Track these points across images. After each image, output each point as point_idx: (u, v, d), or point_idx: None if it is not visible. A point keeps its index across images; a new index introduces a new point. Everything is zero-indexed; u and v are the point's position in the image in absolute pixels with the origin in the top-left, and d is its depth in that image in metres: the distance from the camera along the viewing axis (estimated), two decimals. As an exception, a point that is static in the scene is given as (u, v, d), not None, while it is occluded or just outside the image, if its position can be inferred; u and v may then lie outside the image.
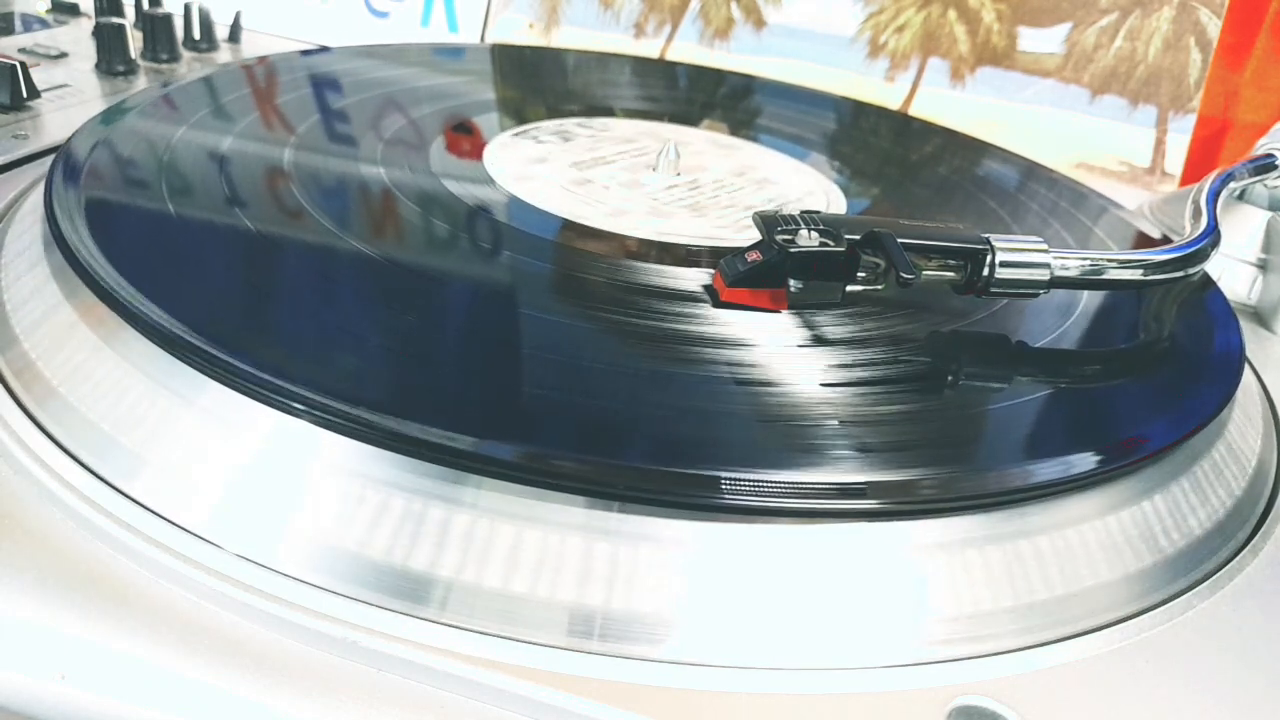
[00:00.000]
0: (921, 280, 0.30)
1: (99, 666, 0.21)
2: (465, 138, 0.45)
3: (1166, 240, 0.42)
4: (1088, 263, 0.31)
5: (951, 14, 0.62)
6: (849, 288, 0.31)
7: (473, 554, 0.22)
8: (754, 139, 0.51)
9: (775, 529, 0.23)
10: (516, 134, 0.46)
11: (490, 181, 0.40)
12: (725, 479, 0.22)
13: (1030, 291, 0.31)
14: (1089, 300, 0.35)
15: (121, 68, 0.54)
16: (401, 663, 0.21)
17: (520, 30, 0.71)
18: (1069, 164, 0.61)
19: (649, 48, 0.69)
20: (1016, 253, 0.30)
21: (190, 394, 0.25)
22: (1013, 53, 0.62)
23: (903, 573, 0.23)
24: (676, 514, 0.23)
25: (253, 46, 0.64)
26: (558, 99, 0.54)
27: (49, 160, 0.34)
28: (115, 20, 0.54)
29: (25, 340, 0.28)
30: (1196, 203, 0.38)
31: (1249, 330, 0.41)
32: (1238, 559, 0.27)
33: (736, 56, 0.67)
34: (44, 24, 0.61)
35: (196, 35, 0.60)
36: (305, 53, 0.54)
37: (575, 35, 0.70)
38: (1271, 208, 0.45)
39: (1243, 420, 0.32)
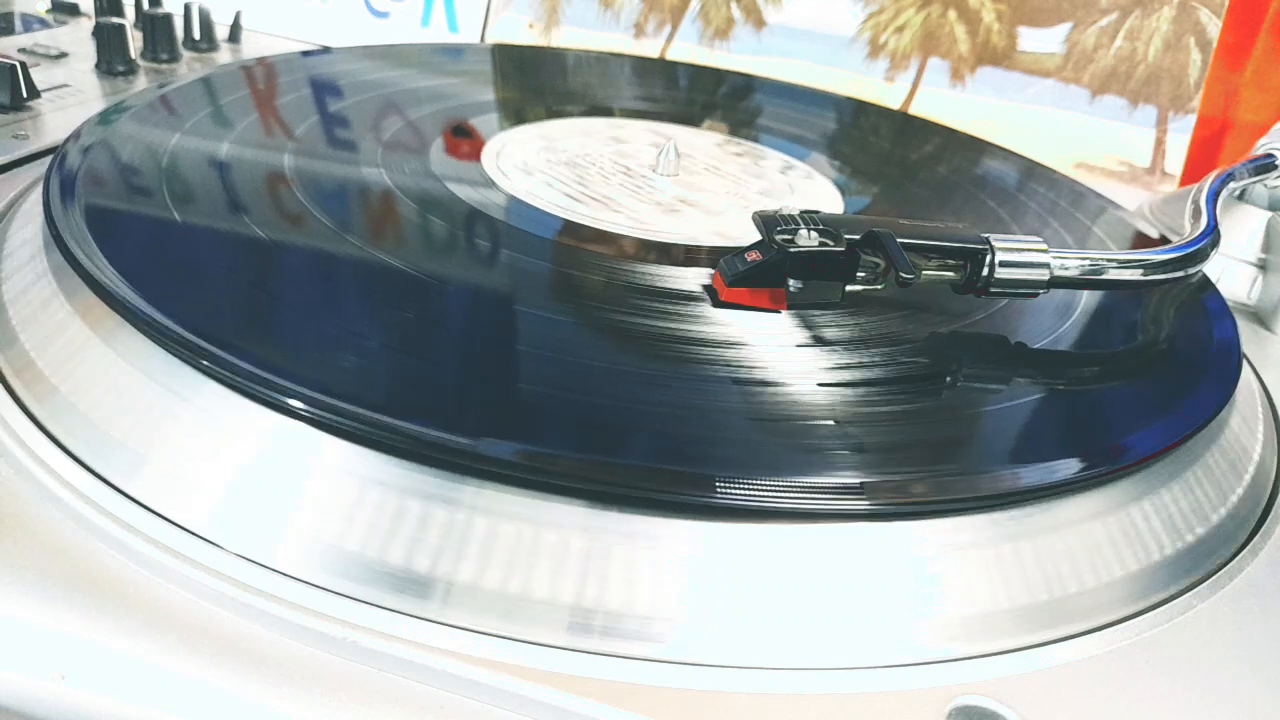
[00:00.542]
0: (921, 280, 0.30)
1: (99, 666, 0.21)
2: (465, 138, 0.45)
3: (1166, 240, 0.42)
4: (1087, 263, 0.31)
5: (951, 14, 0.62)
6: (849, 288, 0.31)
7: (472, 554, 0.22)
8: (754, 139, 0.51)
9: (774, 529, 0.23)
10: (516, 134, 0.46)
11: (489, 182, 0.40)
12: (724, 479, 0.22)
13: (1030, 291, 0.31)
14: (1088, 301, 0.35)
15: (121, 68, 0.54)
16: (401, 663, 0.21)
17: (520, 30, 0.71)
18: (1069, 164, 0.61)
19: (649, 48, 0.69)
20: (1016, 253, 0.30)
21: (190, 394, 0.25)
22: (1013, 53, 0.62)
23: (902, 573, 0.23)
24: (675, 514, 0.23)
25: (253, 46, 0.64)
26: (558, 99, 0.54)
27: (49, 160, 0.34)
28: (115, 20, 0.54)
29: (25, 339, 0.28)
30: (1196, 203, 0.38)
31: (1248, 330, 0.41)
32: (1238, 559, 0.27)
33: (736, 56, 0.67)
34: (44, 24, 0.61)
35: (196, 35, 0.60)
36: (305, 53, 0.54)
37: (575, 35, 0.70)
38: (1271, 208, 0.45)
39: (1242, 420, 0.32)
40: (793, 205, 0.32)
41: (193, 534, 0.23)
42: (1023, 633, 0.23)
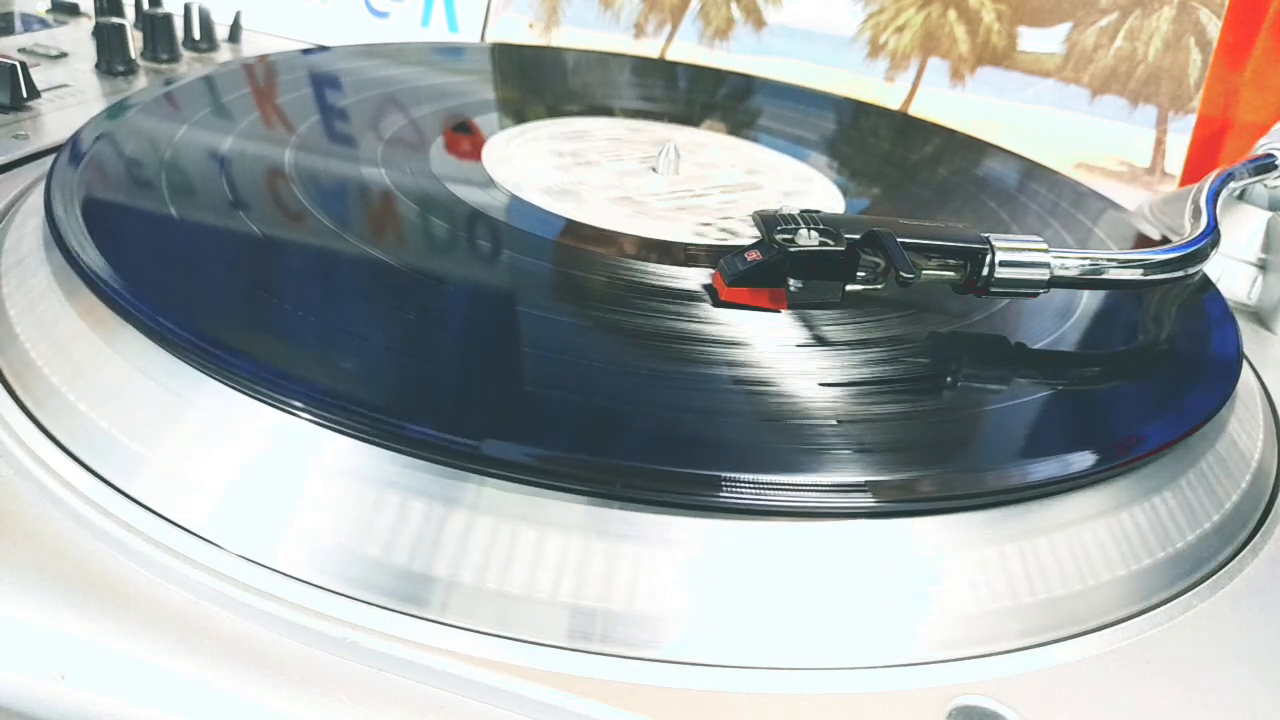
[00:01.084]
0: (921, 280, 0.30)
1: (99, 666, 0.21)
2: (465, 137, 0.45)
3: (1166, 240, 0.42)
4: (1087, 262, 0.31)
5: (951, 14, 0.62)
6: (849, 287, 0.31)
7: (472, 554, 0.22)
8: (754, 139, 0.51)
9: (775, 528, 0.23)
10: (516, 134, 0.46)
11: (490, 181, 0.40)
12: (725, 478, 0.22)
13: (1030, 291, 0.31)
14: (1088, 301, 0.35)
15: (121, 68, 0.54)
16: (401, 663, 0.21)
17: (520, 30, 0.71)
18: (1069, 164, 0.61)
19: (649, 48, 0.69)
20: (1016, 252, 0.30)
21: (190, 394, 0.25)
22: (1013, 53, 0.62)
23: (902, 572, 0.23)
24: (676, 513, 0.23)
25: (253, 46, 0.64)
26: (558, 99, 0.54)
27: (49, 160, 0.34)
28: (115, 20, 0.54)
29: (25, 340, 0.28)
30: (1196, 203, 0.38)
31: (1249, 330, 0.41)
32: (1238, 559, 0.27)
33: (736, 56, 0.67)
34: (44, 24, 0.61)
35: (196, 35, 0.60)
36: (305, 52, 0.54)
37: (575, 35, 0.70)
38: (1271, 208, 0.45)
39: (1242, 420, 0.32)
40: (793, 205, 0.32)
41: (193, 534, 0.23)
42: (1023, 633, 0.23)
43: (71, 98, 0.49)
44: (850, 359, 0.29)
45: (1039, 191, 0.48)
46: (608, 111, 0.52)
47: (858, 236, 0.30)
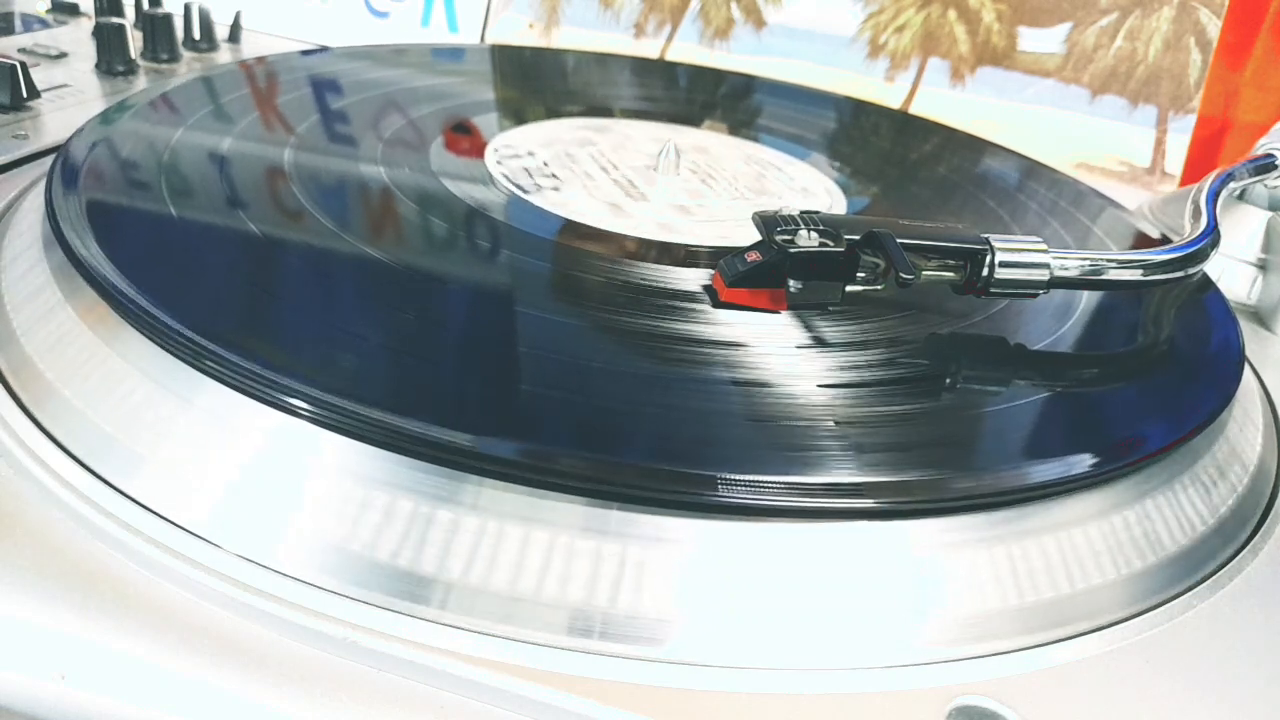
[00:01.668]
0: (921, 280, 0.30)
1: (99, 666, 0.21)
2: (465, 137, 0.45)
3: (1166, 240, 0.42)
4: (1087, 263, 0.31)
5: (951, 14, 0.62)
6: (848, 288, 0.31)
7: (472, 553, 0.22)
8: (754, 138, 0.51)
9: (775, 528, 0.23)
10: (516, 133, 0.46)
11: (490, 181, 0.40)
12: (724, 479, 0.22)
13: (1030, 291, 0.31)
14: (1088, 302, 0.35)
15: (121, 68, 0.54)
16: (401, 663, 0.21)
17: (520, 30, 0.71)
18: (1069, 164, 0.61)
19: (649, 48, 0.69)
20: (1016, 253, 0.30)
21: (190, 393, 0.25)
22: (1013, 53, 0.62)
23: (903, 573, 0.23)
24: (676, 513, 0.23)
25: (253, 46, 0.64)
26: (558, 99, 0.54)
27: (49, 160, 0.34)
28: (115, 20, 0.54)
29: (25, 339, 0.28)
30: (1196, 203, 0.38)
31: (1249, 330, 0.41)
32: (1238, 559, 0.27)
33: (736, 56, 0.67)
34: (44, 24, 0.61)
35: (196, 35, 0.60)
36: (305, 53, 0.54)
37: (575, 35, 0.70)
38: (1271, 208, 0.45)
39: (1243, 420, 0.32)
40: (793, 205, 0.32)
41: (193, 534, 0.23)
42: (1023, 633, 0.23)
43: (71, 98, 0.49)
44: (850, 360, 0.29)
45: (1039, 191, 0.48)
46: (608, 112, 0.52)
47: (857, 237, 0.30)
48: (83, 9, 0.64)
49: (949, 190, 0.48)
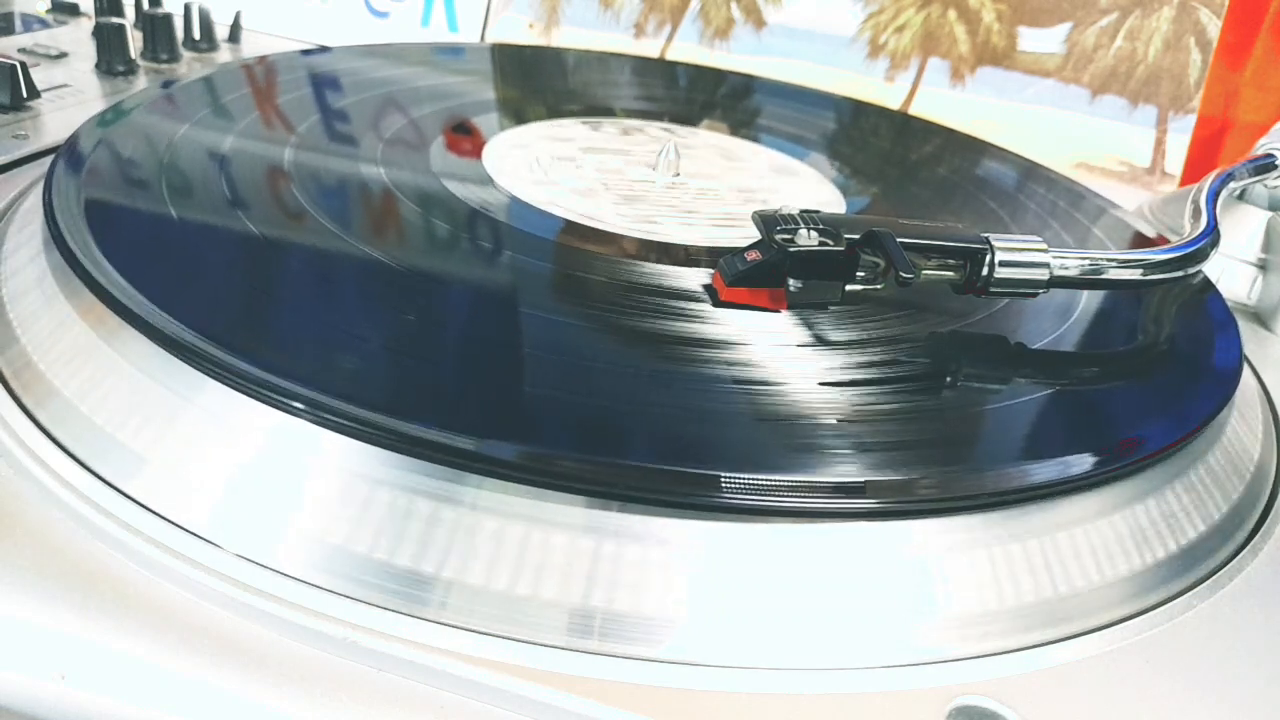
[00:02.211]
0: (921, 280, 0.30)
1: (99, 666, 0.21)
2: (465, 137, 0.45)
3: (1166, 240, 0.42)
4: (1087, 262, 0.31)
5: (951, 14, 0.62)
6: (848, 287, 0.31)
7: (472, 554, 0.22)
8: (754, 139, 0.51)
9: (775, 528, 0.23)
10: (516, 133, 0.46)
11: (490, 181, 0.40)
12: (725, 478, 0.22)
13: (1029, 291, 0.31)
14: (1088, 301, 0.35)
15: (121, 68, 0.54)
16: (401, 663, 0.21)
17: (520, 30, 0.71)
18: (1069, 164, 0.61)
19: (649, 48, 0.69)
20: (1016, 252, 0.30)
21: (190, 394, 0.25)
22: (1013, 53, 0.62)
23: (902, 573, 0.23)
24: (676, 514, 0.23)
25: (253, 46, 0.63)
26: (558, 99, 0.54)
27: (49, 160, 0.34)
28: (115, 20, 0.54)
29: (25, 340, 0.28)
30: (1196, 203, 0.38)
31: (1249, 330, 0.41)
32: (1238, 559, 0.27)
33: (736, 56, 0.67)
34: (44, 24, 0.61)
35: (196, 35, 0.60)
36: (305, 52, 0.54)
37: (575, 35, 0.70)
38: (1271, 208, 0.45)
39: (1242, 421, 0.32)
40: (792, 205, 0.32)
41: (193, 534, 0.23)
42: (1023, 633, 0.23)
43: (71, 98, 0.49)
44: (850, 359, 0.29)
45: (1038, 191, 0.48)
46: (608, 111, 0.52)
47: (857, 236, 0.30)
48: (83, 9, 0.64)
49: (949, 191, 0.48)
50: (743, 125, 0.53)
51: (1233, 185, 0.42)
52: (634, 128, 0.49)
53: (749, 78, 0.62)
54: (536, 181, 0.40)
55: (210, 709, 0.20)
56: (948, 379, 0.29)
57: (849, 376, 0.28)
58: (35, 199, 0.35)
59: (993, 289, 0.31)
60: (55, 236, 0.29)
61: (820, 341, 0.30)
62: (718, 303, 0.31)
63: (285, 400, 0.23)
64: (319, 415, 0.23)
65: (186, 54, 0.59)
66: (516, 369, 0.27)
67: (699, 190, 0.42)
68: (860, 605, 0.23)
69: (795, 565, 0.23)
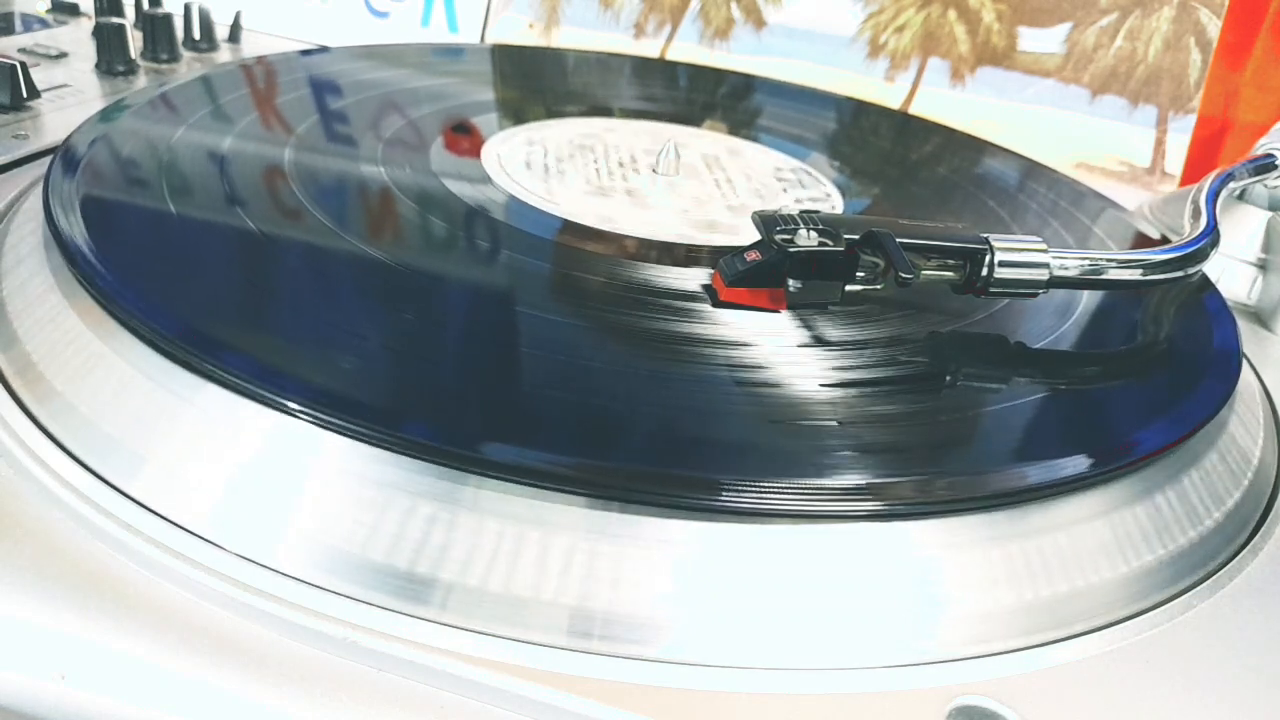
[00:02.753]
0: (920, 280, 0.30)
1: (99, 666, 0.21)
2: (465, 137, 0.45)
3: (1166, 240, 0.42)
4: (1087, 262, 0.31)
5: (951, 14, 0.62)
6: (848, 287, 0.31)
7: (472, 554, 0.22)
8: (754, 139, 0.51)
9: (775, 529, 0.23)
10: (516, 133, 0.46)
11: (489, 181, 0.40)
12: (725, 480, 0.22)
13: (1029, 291, 0.31)
14: (1088, 301, 0.35)
15: (121, 68, 0.54)
16: (401, 663, 0.21)
17: (520, 30, 0.71)
18: (1069, 164, 0.61)
19: (649, 48, 0.69)
20: (1015, 252, 0.30)
21: (190, 394, 0.25)
22: (1013, 53, 0.62)
23: (902, 573, 0.23)
24: (676, 515, 0.23)
25: (253, 46, 0.64)
26: (557, 99, 0.54)
27: (49, 160, 0.34)
28: (115, 20, 0.54)
29: (25, 340, 0.28)
30: (1196, 203, 0.38)
31: (1249, 330, 0.41)
32: (1238, 559, 0.27)
33: (736, 56, 0.67)
34: (44, 24, 0.61)
35: (196, 35, 0.60)
36: (305, 53, 0.54)
37: (575, 35, 0.70)
38: (1271, 208, 0.45)
39: (1242, 420, 0.32)
40: (792, 205, 0.32)
41: (193, 534, 0.23)
42: (1023, 633, 0.23)
43: (71, 98, 0.49)
44: (850, 359, 0.29)
45: (1039, 191, 0.48)
46: (608, 111, 0.52)
47: (857, 237, 0.30)
48: (83, 9, 0.64)
49: (949, 190, 0.48)
50: (743, 125, 0.53)
51: (1233, 185, 0.42)
52: (634, 128, 0.49)
53: (749, 78, 0.62)
54: (536, 181, 0.40)
55: (210, 709, 0.20)
56: (947, 379, 0.29)
57: (849, 377, 0.28)
58: (35, 199, 0.35)
59: (992, 289, 0.31)
60: (55, 237, 0.29)
61: (820, 342, 0.30)
62: (717, 303, 0.31)
63: (284, 401, 0.23)
64: (318, 417, 0.23)
65: (186, 54, 0.59)
66: (516, 370, 0.27)
67: (699, 190, 0.42)
68: (860, 605, 0.23)
69: (795, 566, 0.23)
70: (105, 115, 0.39)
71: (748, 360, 0.28)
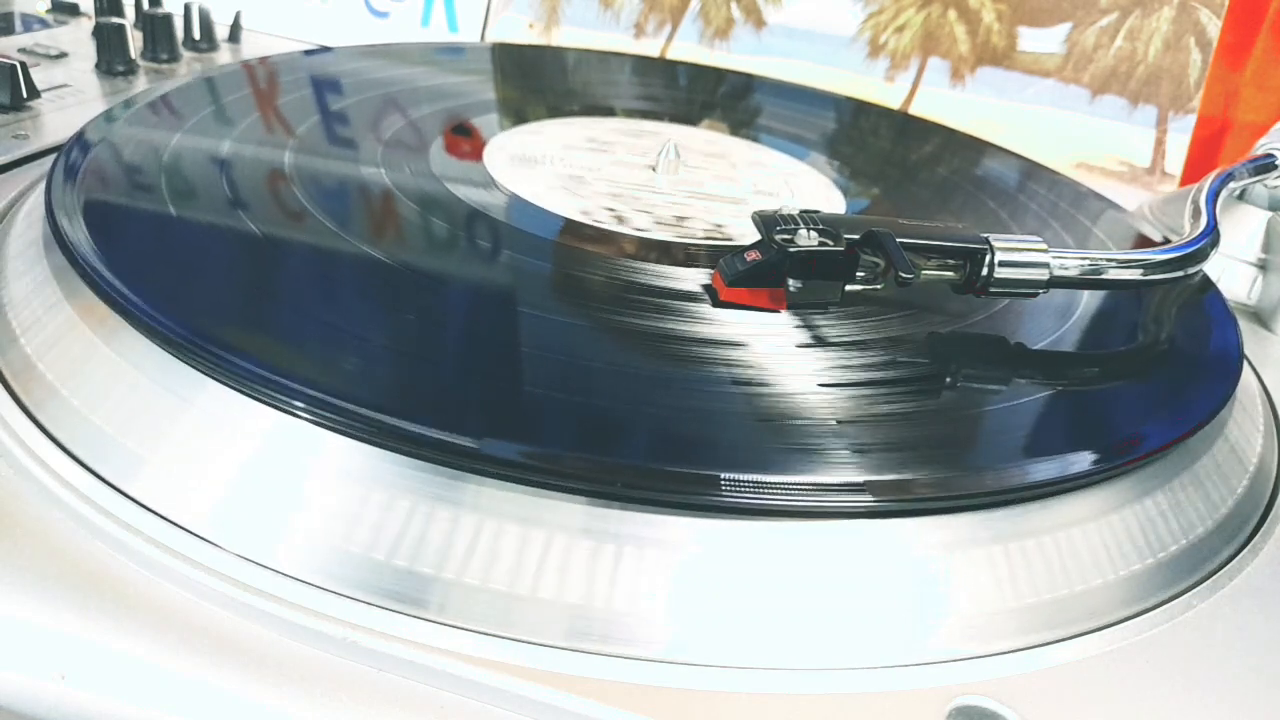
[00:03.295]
0: (920, 280, 0.30)
1: (99, 666, 0.21)
2: (465, 138, 0.45)
3: (1166, 240, 0.42)
4: (1087, 262, 0.31)
5: (951, 14, 0.62)
6: (848, 287, 0.31)
7: (472, 554, 0.22)
8: (754, 138, 0.51)
9: (775, 528, 0.23)
10: (517, 133, 0.46)
11: (490, 181, 0.40)
12: (725, 478, 0.22)
13: (1029, 291, 0.31)
14: (1088, 301, 0.35)
15: (121, 68, 0.54)
16: (401, 663, 0.21)
17: (520, 30, 0.71)
18: (1069, 164, 0.61)
19: (649, 48, 0.69)
20: (1016, 252, 0.30)
21: (190, 394, 0.25)
22: (1013, 53, 0.62)
23: (903, 573, 0.23)
24: (676, 513, 0.23)
25: (253, 46, 0.64)
26: (558, 98, 0.54)
27: (49, 160, 0.34)
28: (115, 20, 0.54)
29: (25, 340, 0.28)
30: (1196, 203, 0.38)
31: (1249, 330, 0.41)
32: (1238, 559, 0.27)
33: (736, 56, 0.67)
34: (44, 24, 0.61)
35: (196, 35, 0.60)
36: (306, 53, 0.54)
37: (575, 35, 0.70)
38: (1271, 208, 0.45)
39: (1242, 420, 0.32)
40: (792, 205, 0.32)
41: (193, 534, 0.23)
42: (1023, 633, 0.23)
43: (71, 98, 0.49)
44: (850, 359, 0.29)
45: (1039, 191, 0.48)
46: (608, 111, 0.52)
47: (857, 237, 0.30)
48: (83, 9, 0.64)
49: (949, 191, 0.48)
50: (743, 125, 0.53)
51: (1233, 185, 0.42)
52: (634, 127, 0.49)
53: (749, 77, 0.62)
54: (537, 181, 0.40)
55: (210, 709, 0.20)
56: (947, 379, 0.29)
57: (849, 377, 0.28)
58: (36, 199, 0.35)
59: (992, 289, 0.31)
60: (56, 236, 0.29)
61: (820, 342, 0.30)
62: (717, 303, 0.31)
63: (285, 401, 0.23)
64: (319, 416, 0.23)
65: (186, 54, 0.59)
66: (516, 369, 0.27)
67: (699, 190, 0.42)
68: (860, 605, 0.23)
69: (795, 565, 0.23)
70: (107, 116, 0.39)
71: (748, 360, 0.28)
